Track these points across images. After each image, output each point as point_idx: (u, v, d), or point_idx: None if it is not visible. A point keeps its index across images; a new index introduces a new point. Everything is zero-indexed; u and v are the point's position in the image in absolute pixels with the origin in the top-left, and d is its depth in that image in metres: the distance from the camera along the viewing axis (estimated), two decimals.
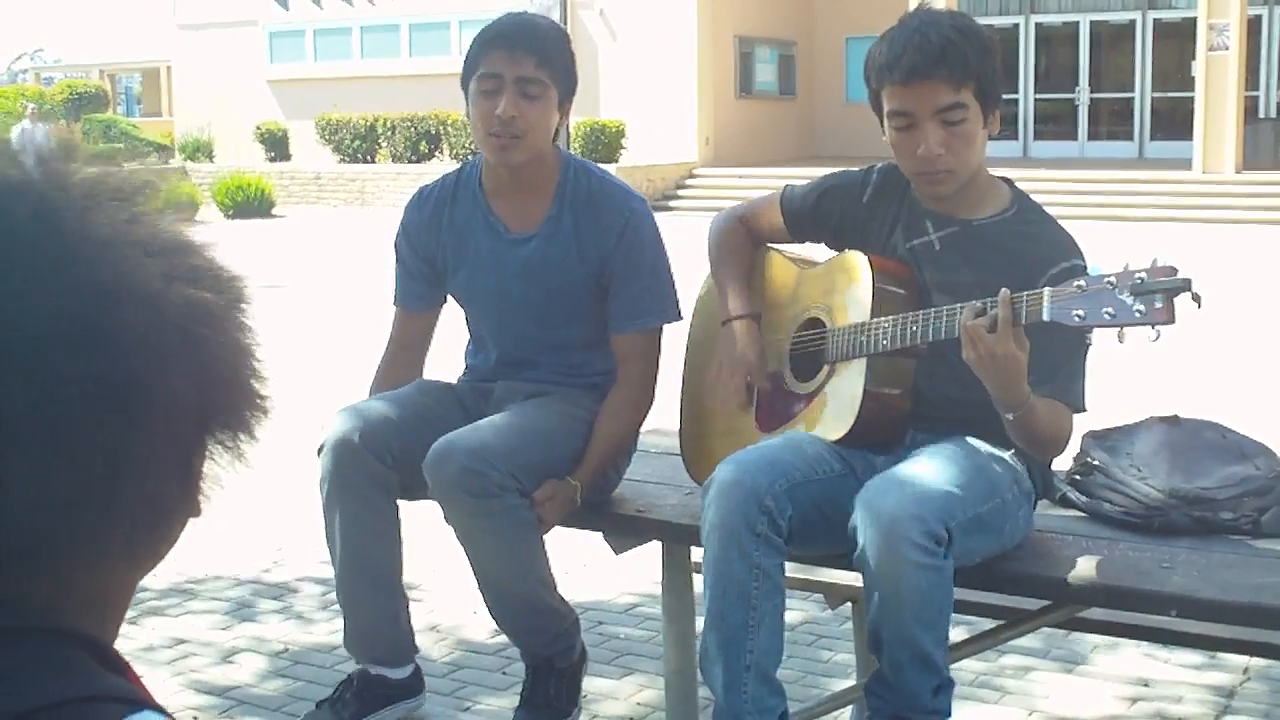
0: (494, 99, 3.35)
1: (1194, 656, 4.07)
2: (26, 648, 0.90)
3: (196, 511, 1.01)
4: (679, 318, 3.55)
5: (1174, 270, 2.59)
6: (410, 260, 3.64)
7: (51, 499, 0.90)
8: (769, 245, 3.43)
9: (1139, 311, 2.58)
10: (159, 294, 0.93)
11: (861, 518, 2.76)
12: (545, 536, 3.37)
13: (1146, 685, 3.98)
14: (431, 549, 4.07)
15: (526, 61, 3.35)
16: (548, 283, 3.49)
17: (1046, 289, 2.70)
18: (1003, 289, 2.75)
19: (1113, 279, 2.62)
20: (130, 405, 0.91)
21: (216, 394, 0.98)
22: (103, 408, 0.90)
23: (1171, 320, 2.58)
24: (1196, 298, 2.57)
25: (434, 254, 3.60)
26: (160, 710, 0.92)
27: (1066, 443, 3.01)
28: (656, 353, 3.53)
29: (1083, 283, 2.65)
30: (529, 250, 3.49)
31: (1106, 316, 2.61)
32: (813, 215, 3.30)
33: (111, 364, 0.90)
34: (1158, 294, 2.58)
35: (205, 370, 0.96)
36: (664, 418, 3.64)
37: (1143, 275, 2.60)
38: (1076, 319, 2.64)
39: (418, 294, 3.66)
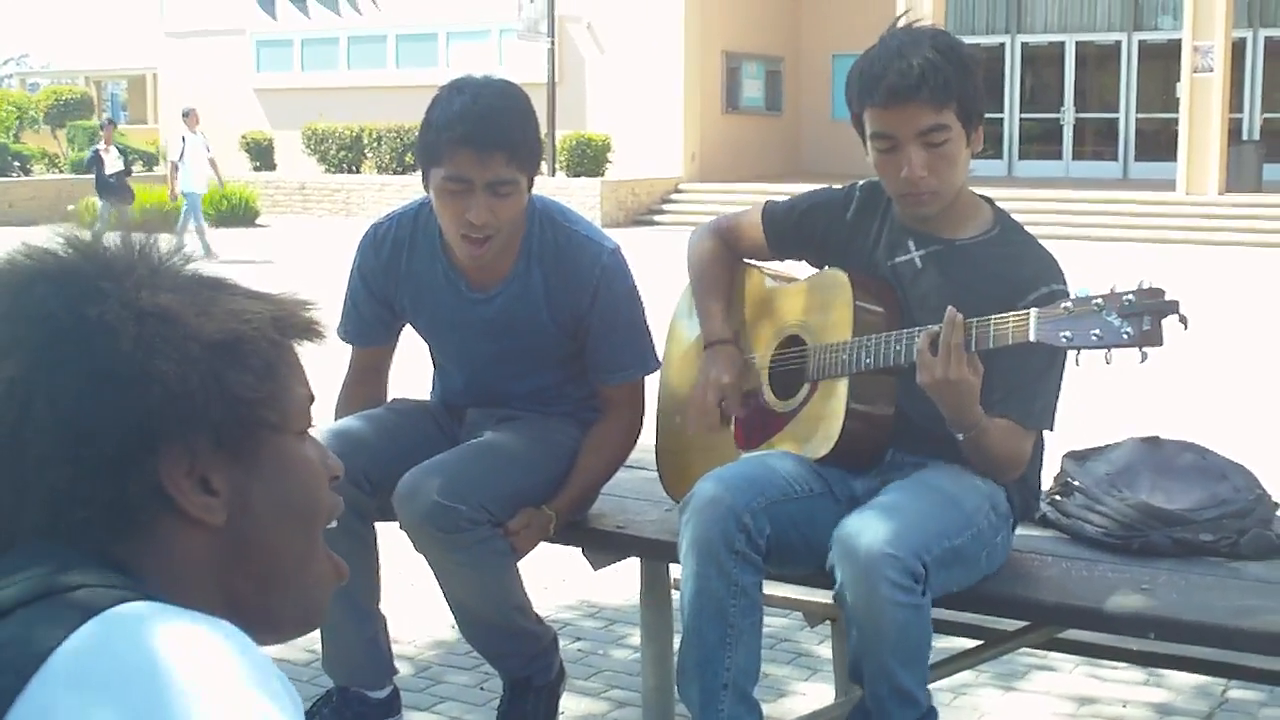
0: (464, 200, 3.16)
1: (1172, 678, 4.06)
2: (39, 554, 1.05)
3: (195, 519, 1.11)
4: (657, 365, 3.49)
5: (1161, 292, 2.58)
6: (366, 304, 3.53)
7: None
8: (748, 261, 3.42)
9: (1127, 334, 2.58)
10: (46, 311, 1.08)
11: (838, 557, 2.75)
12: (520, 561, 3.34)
13: (1124, 706, 3.98)
14: (410, 564, 4.05)
15: (497, 161, 3.13)
16: (514, 340, 3.40)
17: (1033, 309, 2.70)
18: (949, 309, 2.77)
19: (1100, 300, 2.61)
20: (20, 398, 1.06)
21: (139, 402, 1.08)
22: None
23: (1159, 342, 2.57)
24: (1184, 319, 2.56)
25: (391, 299, 3.50)
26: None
27: (1022, 465, 3.01)
28: (642, 398, 3.48)
29: (1070, 304, 2.65)
30: (493, 309, 3.38)
31: (1094, 338, 2.60)
32: (795, 232, 3.29)
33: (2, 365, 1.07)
34: (1145, 316, 2.57)
35: (108, 377, 1.07)
36: (644, 434, 3.63)
37: (1131, 297, 2.59)
38: (1064, 340, 2.64)
39: (372, 334, 3.57)
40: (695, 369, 3.37)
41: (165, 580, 1.08)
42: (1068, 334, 2.63)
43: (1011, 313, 2.73)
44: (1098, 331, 2.60)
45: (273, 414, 1.15)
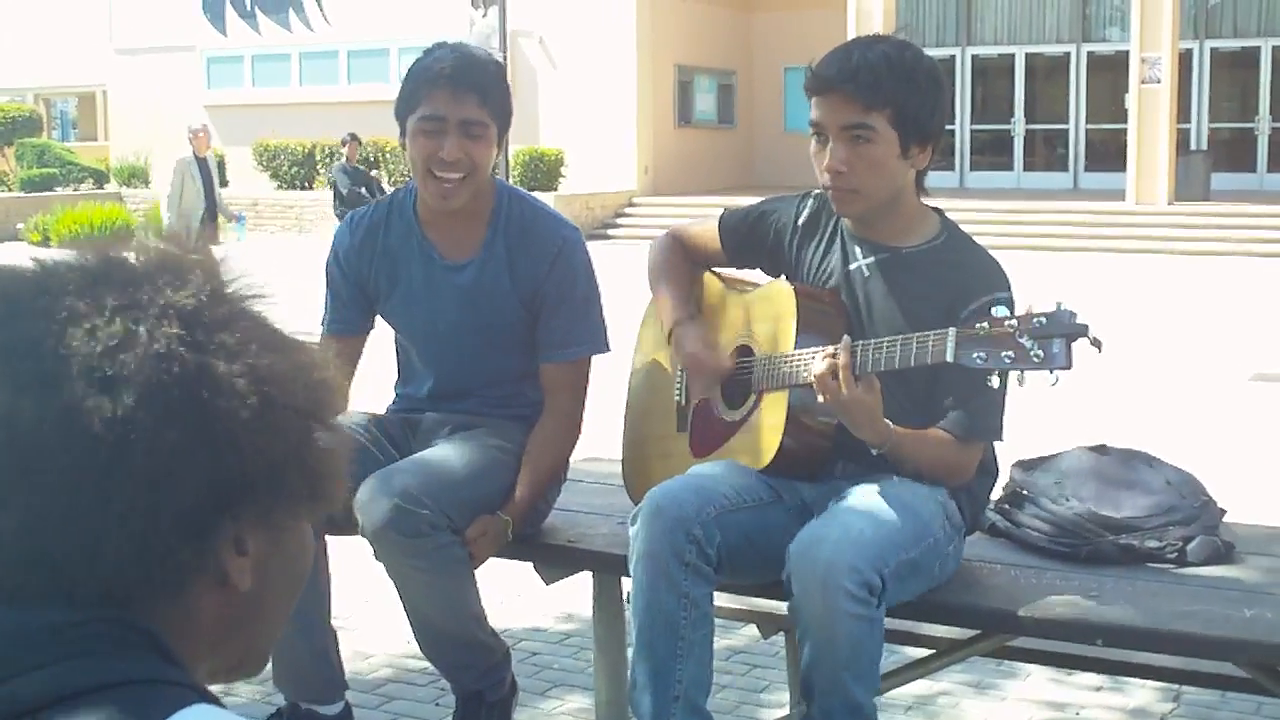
0: (437, 139, 3.31)
1: (1127, 683, 4.09)
2: (93, 631, 1.00)
3: (226, 581, 1.08)
4: (607, 349, 3.53)
5: (1073, 315, 2.62)
6: (341, 285, 3.59)
7: (44, 515, 1.01)
8: (707, 269, 3.44)
9: (1037, 356, 2.61)
10: (168, 352, 1.03)
11: (796, 568, 2.76)
12: (477, 570, 3.34)
13: (1079, 713, 4.00)
14: (363, 579, 4.05)
15: (470, 101, 3.32)
16: (482, 311, 3.46)
17: (952, 329, 2.72)
18: (844, 337, 2.84)
19: (1014, 322, 2.65)
20: (117, 444, 1.00)
21: (232, 465, 1.05)
22: (93, 438, 1.00)
23: (1068, 366, 2.61)
24: (1096, 343, 2.60)
25: (366, 279, 3.56)
26: (216, 702, 1.01)
27: (962, 475, 3.03)
28: (584, 384, 3.52)
29: (986, 324, 2.67)
30: (463, 279, 3.46)
31: (1006, 360, 2.64)
32: (749, 239, 3.31)
33: (107, 402, 1.01)
34: (1056, 339, 2.61)
35: (210, 435, 1.03)
36: (596, 446, 3.63)
37: (1042, 320, 2.63)
38: (979, 361, 2.67)
39: (346, 319, 3.61)
40: (663, 379, 3.42)
41: (175, 639, 1.05)
42: (981, 355, 2.67)
43: (931, 332, 2.75)
44: (1010, 353, 2.64)
45: (331, 487, 1.14)
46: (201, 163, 14.05)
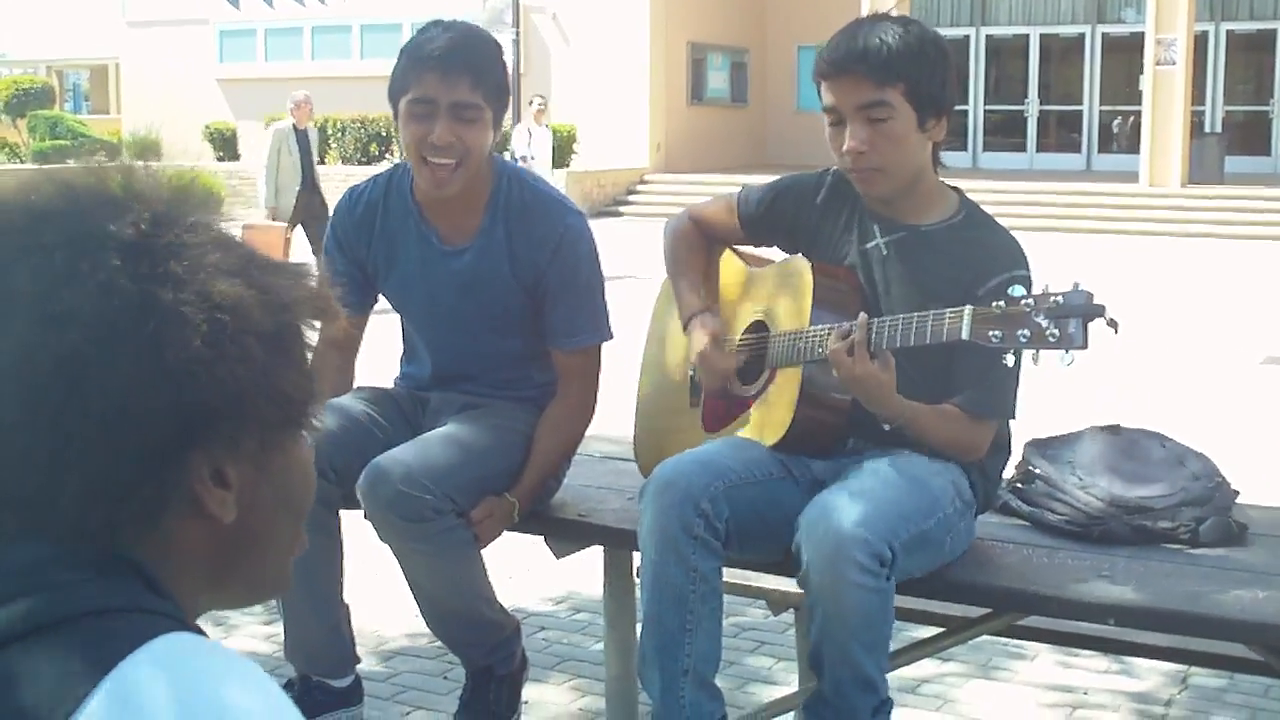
0: (428, 123, 3.23)
1: (1134, 665, 4.09)
2: (73, 561, 1.00)
3: (204, 512, 1.07)
4: (610, 336, 3.49)
5: (1090, 295, 2.61)
6: (341, 264, 3.55)
7: (2, 457, 1.01)
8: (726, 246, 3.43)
9: (1052, 336, 2.60)
10: (110, 286, 1.02)
11: (806, 538, 2.75)
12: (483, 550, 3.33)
13: (1086, 694, 4.01)
14: (373, 553, 4.05)
15: (461, 84, 3.22)
16: (480, 296, 3.42)
17: (968, 307, 2.71)
18: (861, 314, 2.84)
19: (1031, 301, 2.63)
20: (67, 382, 1.00)
21: (191, 397, 1.03)
22: (45, 376, 1.00)
23: (1084, 345, 2.60)
24: (1113, 324, 2.58)
25: (364, 259, 3.52)
26: (199, 632, 1.00)
27: (975, 452, 3.02)
28: (596, 369, 3.49)
29: (1002, 303, 2.66)
30: (462, 263, 3.41)
31: (1022, 339, 2.63)
32: (767, 218, 3.29)
33: (54, 340, 1.00)
34: (1072, 318, 2.59)
35: (164, 367, 1.02)
36: (606, 423, 3.62)
37: (1059, 299, 2.61)
38: (994, 340, 2.66)
39: (345, 298, 3.58)
40: (677, 352, 3.41)
41: (161, 572, 1.04)
42: (997, 334, 2.65)
43: (948, 309, 2.74)
44: (1025, 332, 2.62)
45: (307, 412, 1.14)
46: (300, 135, 13.56)
